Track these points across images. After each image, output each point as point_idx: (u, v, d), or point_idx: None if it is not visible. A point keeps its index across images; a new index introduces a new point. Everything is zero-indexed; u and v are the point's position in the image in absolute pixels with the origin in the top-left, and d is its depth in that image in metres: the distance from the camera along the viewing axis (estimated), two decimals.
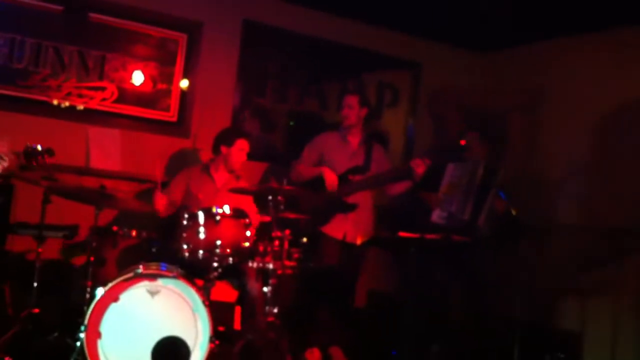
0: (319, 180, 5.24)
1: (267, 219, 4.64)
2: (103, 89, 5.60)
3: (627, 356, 5.44)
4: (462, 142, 5.36)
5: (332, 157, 5.37)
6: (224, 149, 5.14)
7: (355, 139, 5.43)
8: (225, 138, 5.18)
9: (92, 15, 5.56)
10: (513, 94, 6.71)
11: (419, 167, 5.08)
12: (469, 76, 7.02)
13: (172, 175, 5.40)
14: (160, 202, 4.89)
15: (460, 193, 5.13)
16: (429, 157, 5.13)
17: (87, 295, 4.08)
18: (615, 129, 5.81)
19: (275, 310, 4.37)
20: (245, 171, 5.47)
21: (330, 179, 5.22)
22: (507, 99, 6.74)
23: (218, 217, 4.37)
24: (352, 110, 5.36)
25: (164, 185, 5.18)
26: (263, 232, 4.70)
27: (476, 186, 5.09)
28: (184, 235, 4.38)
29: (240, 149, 5.14)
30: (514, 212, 4.75)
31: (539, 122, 6.49)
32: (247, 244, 4.43)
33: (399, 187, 5.35)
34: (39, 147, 4.05)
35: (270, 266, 4.36)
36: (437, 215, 5.22)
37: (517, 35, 6.50)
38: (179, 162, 5.74)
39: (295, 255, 4.60)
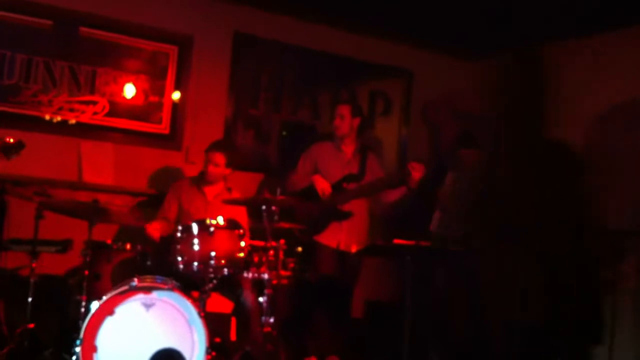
0: (313, 190, 5.23)
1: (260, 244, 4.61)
2: (94, 102, 5.59)
3: (626, 359, 5.43)
4: (458, 151, 5.38)
5: (327, 166, 5.37)
6: (204, 162, 5.16)
7: (349, 148, 5.43)
8: (205, 152, 5.18)
9: (82, 29, 5.55)
10: (505, 99, 6.71)
11: (416, 171, 5.06)
12: (460, 83, 7.03)
13: (159, 188, 5.40)
14: (155, 234, 4.89)
15: (458, 202, 5.14)
16: (425, 163, 5.12)
17: (83, 310, 4.06)
18: (610, 131, 5.82)
19: (272, 321, 4.35)
20: (239, 182, 5.47)
21: (322, 185, 5.21)
22: (499, 104, 6.74)
23: (212, 229, 4.35)
24: (345, 120, 5.36)
25: (157, 200, 5.19)
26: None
27: (472, 195, 5.10)
28: (178, 247, 4.37)
29: (213, 163, 5.10)
30: (508, 217, 4.75)
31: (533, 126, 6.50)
32: (241, 255, 4.42)
33: (395, 194, 5.34)
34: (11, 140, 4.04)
35: (266, 276, 4.35)
36: (435, 225, 5.23)
37: (507, 41, 6.52)
38: (165, 176, 5.76)
39: (291, 265, 4.59)
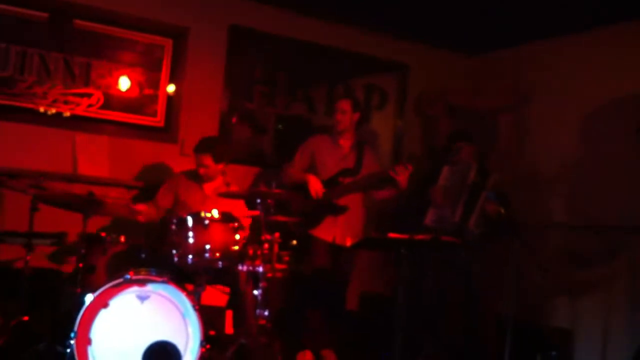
0: (307, 187, 5.22)
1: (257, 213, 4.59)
2: (89, 95, 5.58)
3: (618, 354, 5.45)
4: (454, 145, 5.38)
5: (323, 160, 5.36)
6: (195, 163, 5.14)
7: (346, 142, 5.41)
8: (194, 152, 5.14)
9: (77, 21, 5.54)
10: (500, 95, 6.73)
11: (400, 175, 5.06)
12: (456, 78, 7.04)
13: (154, 180, 5.40)
14: (139, 217, 4.89)
15: (452, 196, 5.14)
16: (411, 163, 5.11)
17: (77, 302, 4.05)
18: (603, 127, 5.83)
19: (266, 314, 4.35)
20: (234, 175, 5.46)
21: (315, 187, 5.19)
22: (495, 100, 6.75)
23: (207, 222, 4.34)
24: (345, 114, 5.34)
25: (148, 192, 5.19)
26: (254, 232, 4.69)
27: (467, 188, 5.10)
28: (173, 240, 4.36)
29: (202, 165, 5.06)
30: (502, 212, 4.74)
31: (527, 122, 6.50)
32: (236, 248, 4.41)
33: (384, 194, 5.33)
34: None
35: (260, 269, 4.35)
36: (429, 219, 5.23)
37: (502, 37, 6.52)
38: (160, 169, 5.77)
39: (285, 258, 4.59)
